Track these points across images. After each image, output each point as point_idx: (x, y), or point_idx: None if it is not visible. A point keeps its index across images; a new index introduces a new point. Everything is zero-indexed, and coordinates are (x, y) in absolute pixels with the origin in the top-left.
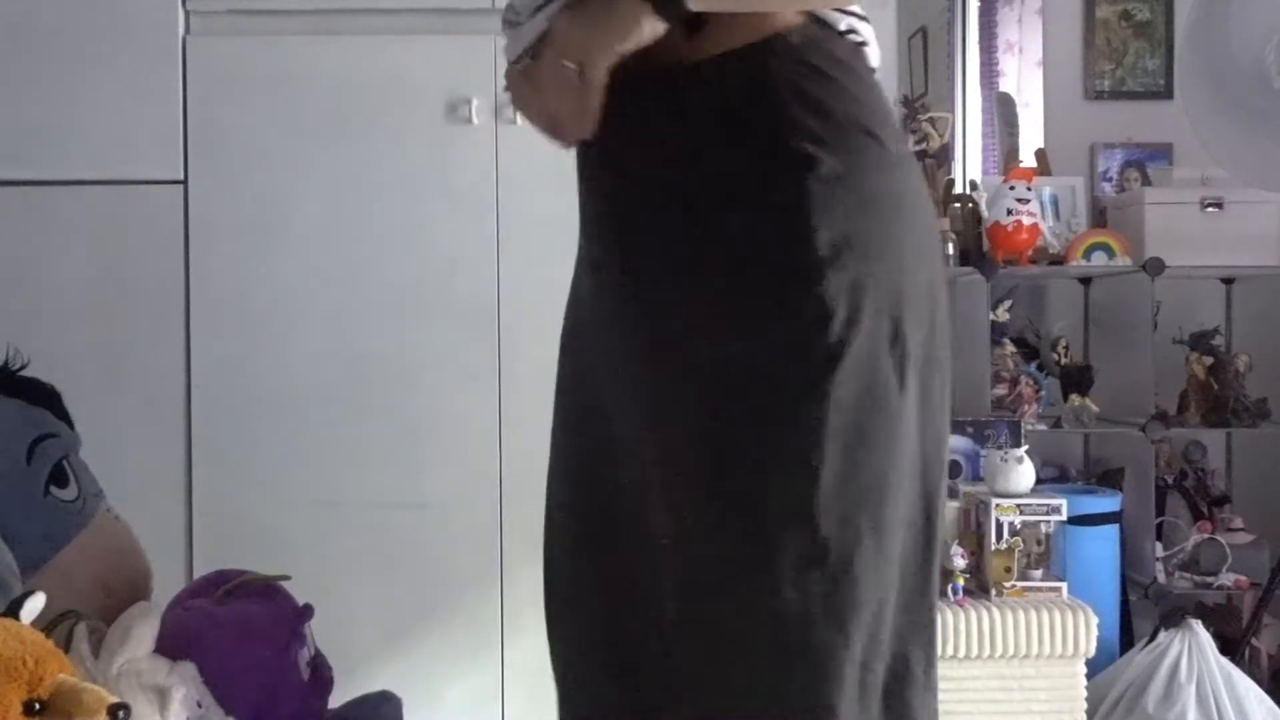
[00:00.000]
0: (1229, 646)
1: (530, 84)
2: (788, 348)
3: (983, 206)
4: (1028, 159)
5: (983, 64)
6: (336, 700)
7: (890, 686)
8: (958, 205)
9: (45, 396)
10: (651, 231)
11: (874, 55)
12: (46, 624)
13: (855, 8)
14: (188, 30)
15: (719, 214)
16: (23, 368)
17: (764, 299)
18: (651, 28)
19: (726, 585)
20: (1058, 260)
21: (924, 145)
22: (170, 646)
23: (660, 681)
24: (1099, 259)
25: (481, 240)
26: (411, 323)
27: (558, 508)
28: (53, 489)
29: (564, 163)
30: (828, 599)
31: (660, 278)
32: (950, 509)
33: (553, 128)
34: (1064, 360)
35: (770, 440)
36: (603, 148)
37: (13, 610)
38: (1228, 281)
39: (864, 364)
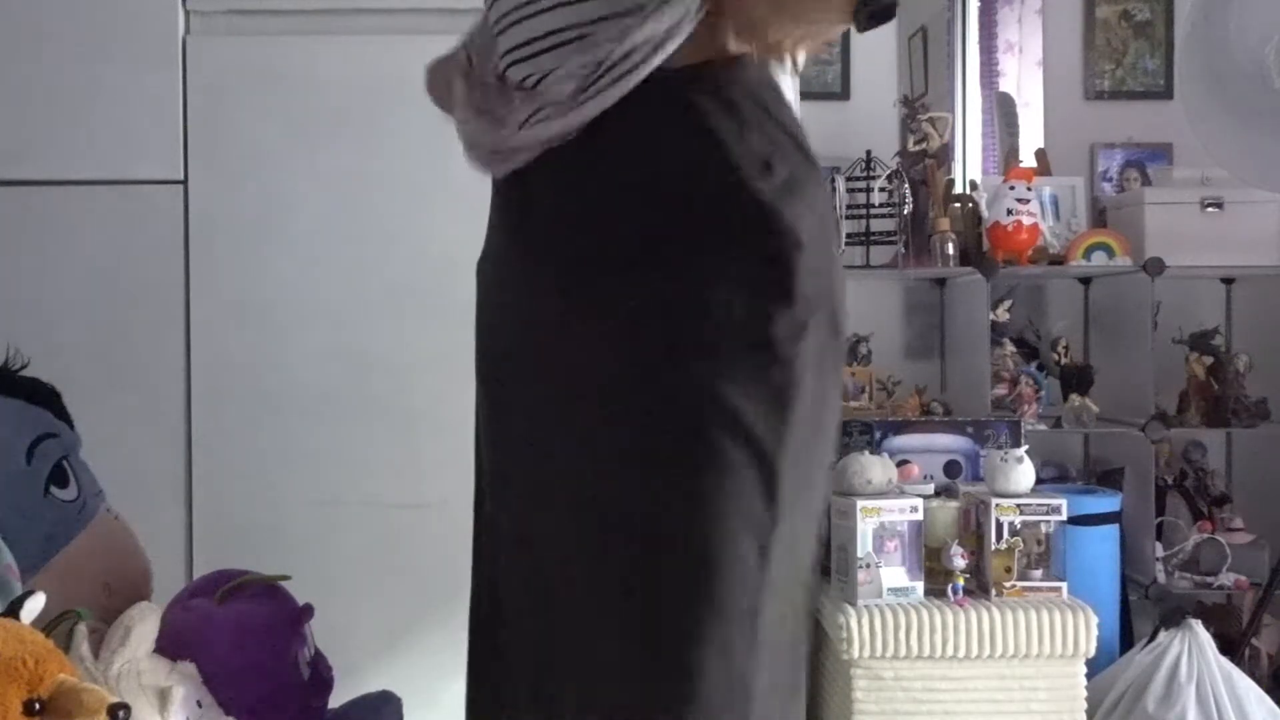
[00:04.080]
0: (1229, 646)
1: None
2: (751, 324)
3: (983, 206)
4: (1028, 159)
5: (983, 64)
6: (336, 700)
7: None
8: (958, 205)
9: (45, 396)
10: (615, 222)
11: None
12: (46, 624)
13: None
14: (188, 30)
15: (682, 211)
16: (23, 368)
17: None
18: None
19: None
20: (1058, 260)
21: (924, 145)
22: (170, 646)
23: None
24: (1099, 259)
25: (481, 240)
26: (411, 323)
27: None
28: (53, 489)
29: None
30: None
31: (617, 269)
32: (950, 509)
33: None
34: (1064, 360)
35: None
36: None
37: (13, 610)
38: (1228, 281)
39: (814, 357)
